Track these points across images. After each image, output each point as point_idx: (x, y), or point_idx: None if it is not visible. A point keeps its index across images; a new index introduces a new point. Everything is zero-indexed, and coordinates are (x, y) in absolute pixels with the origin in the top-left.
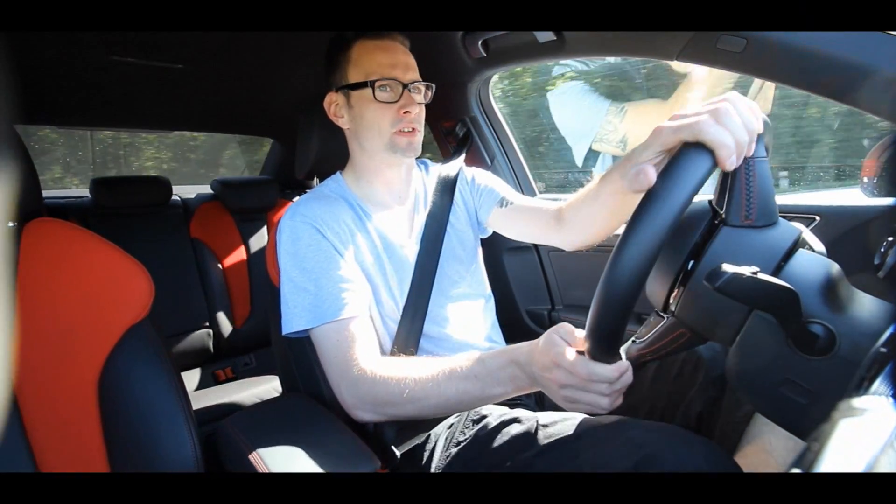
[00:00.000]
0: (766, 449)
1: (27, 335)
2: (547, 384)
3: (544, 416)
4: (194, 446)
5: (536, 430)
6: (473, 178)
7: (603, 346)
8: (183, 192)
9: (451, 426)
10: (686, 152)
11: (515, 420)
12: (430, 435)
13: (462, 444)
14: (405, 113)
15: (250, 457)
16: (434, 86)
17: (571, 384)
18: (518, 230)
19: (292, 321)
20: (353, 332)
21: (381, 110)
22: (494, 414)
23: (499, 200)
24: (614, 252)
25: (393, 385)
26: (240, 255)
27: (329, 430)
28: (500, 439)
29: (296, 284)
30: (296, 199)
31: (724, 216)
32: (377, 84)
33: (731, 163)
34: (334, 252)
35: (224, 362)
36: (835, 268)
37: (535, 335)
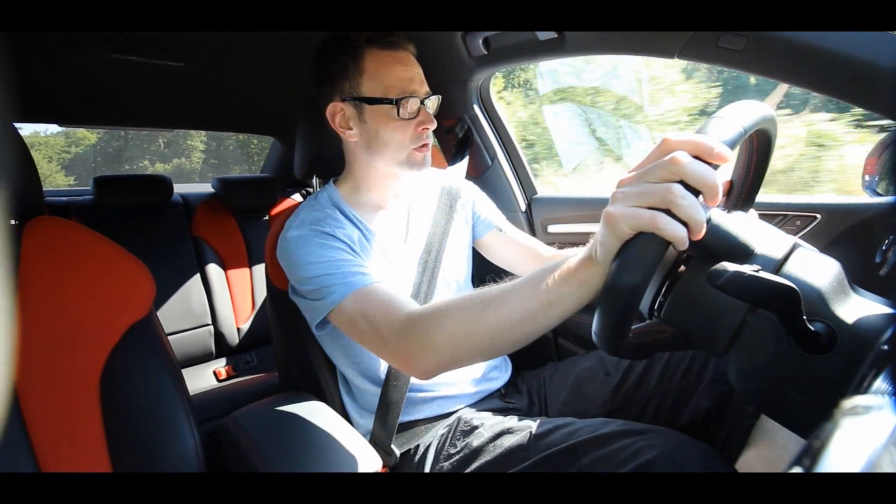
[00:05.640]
0: (779, 443)
1: (29, 334)
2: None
3: (538, 426)
4: (196, 444)
5: (530, 441)
6: (475, 200)
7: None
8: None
9: (441, 436)
10: (640, 238)
11: (508, 431)
12: (419, 445)
13: (453, 458)
14: (423, 129)
15: (252, 454)
16: (441, 97)
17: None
18: (509, 259)
19: (326, 301)
20: (384, 290)
21: (402, 128)
22: (486, 424)
23: (497, 226)
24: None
25: (448, 317)
26: (241, 253)
27: (330, 428)
28: (493, 452)
29: (314, 276)
30: (295, 199)
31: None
32: (401, 102)
33: (686, 246)
34: (346, 247)
35: (225, 360)
36: (836, 266)
37: None
